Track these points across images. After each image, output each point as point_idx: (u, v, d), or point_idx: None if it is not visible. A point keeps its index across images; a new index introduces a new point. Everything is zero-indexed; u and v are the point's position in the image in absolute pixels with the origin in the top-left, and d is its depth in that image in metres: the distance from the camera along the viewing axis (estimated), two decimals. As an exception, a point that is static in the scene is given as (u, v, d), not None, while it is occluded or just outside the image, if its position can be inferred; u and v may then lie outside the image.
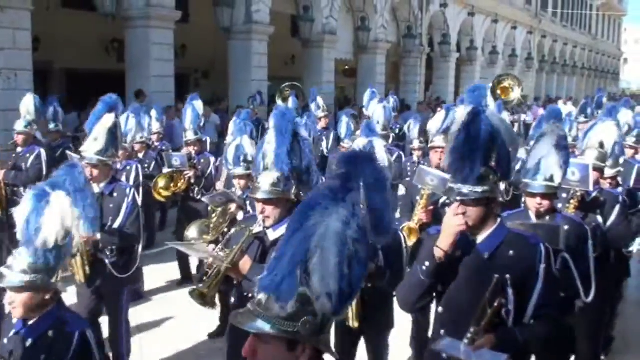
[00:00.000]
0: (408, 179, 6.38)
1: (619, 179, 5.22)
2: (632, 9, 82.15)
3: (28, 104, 7.02)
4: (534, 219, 3.51)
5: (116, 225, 4.38)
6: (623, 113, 6.33)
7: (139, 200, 4.59)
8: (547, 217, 3.50)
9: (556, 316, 2.67)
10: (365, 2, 18.66)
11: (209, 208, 4.45)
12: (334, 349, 3.74)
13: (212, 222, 3.82)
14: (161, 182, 6.57)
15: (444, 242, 2.58)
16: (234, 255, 3.11)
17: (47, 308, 2.59)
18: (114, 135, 4.40)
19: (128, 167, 6.32)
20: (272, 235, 3.24)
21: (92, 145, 4.32)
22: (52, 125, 8.23)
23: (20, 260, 2.53)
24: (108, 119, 4.37)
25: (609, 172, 4.69)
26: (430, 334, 2.97)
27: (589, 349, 4.35)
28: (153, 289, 6.87)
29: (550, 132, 3.41)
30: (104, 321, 4.61)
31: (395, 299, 3.31)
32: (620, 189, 4.90)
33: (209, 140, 8.74)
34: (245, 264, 3.13)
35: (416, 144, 7.54)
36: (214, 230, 3.60)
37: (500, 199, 2.88)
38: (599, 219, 4.24)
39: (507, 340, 2.52)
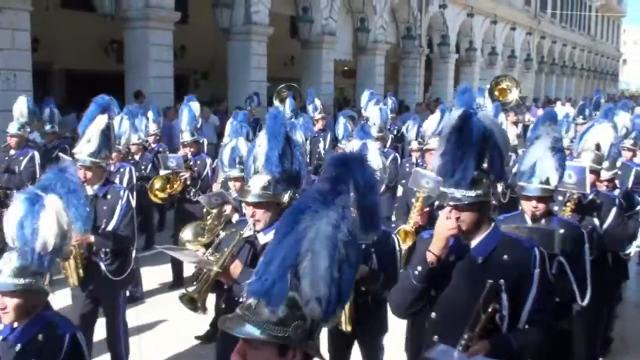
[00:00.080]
0: (404, 180, 6.37)
1: (617, 181, 5.22)
2: (631, 10, 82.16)
3: (21, 106, 7.00)
4: (529, 222, 3.48)
5: (110, 227, 4.33)
6: (621, 116, 6.31)
7: (133, 203, 4.56)
8: (543, 221, 3.47)
9: (551, 321, 2.64)
10: (365, 3, 18.67)
11: (204, 210, 4.43)
12: (327, 353, 3.73)
13: (207, 224, 3.79)
14: (157, 184, 6.53)
15: (436, 246, 2.54)
16: (224, 260, 3.07)
17: (36, 311, 2.55)
18: (107, 136, 4.35)
19: (122, 169, 6.27)
20: (262, 239, 3.21)
21: (85, 147, 4.27)
22: (48, 127, 8.24)
23: (10, 264, 2.48)
24: (101, 121, 4.31)
25: (605, 175, 4.68)
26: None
27: (586, 351, 4.35)
28: (153, 289, 6.86)
29: (545, 135, 3.39)
30: (102, 322, 4.59)
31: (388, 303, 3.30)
32: (617, 192, 4.89)
33: (205, 142, 8.72)
34: (236, 268, 3.10)
35: (414, 145, 7.54)
36: (209, 232, 3.57)
37: (494, 202, 2.86)
38: (596, 221, 4.23)
39: (502, 346, 2.48)
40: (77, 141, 4.49)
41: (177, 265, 6.84)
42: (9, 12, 9.58)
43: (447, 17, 23.30)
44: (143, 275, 6.78)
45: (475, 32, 25.83)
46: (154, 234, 8.57)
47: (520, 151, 6.36)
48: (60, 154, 6.05)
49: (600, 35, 46.25)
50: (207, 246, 3.48)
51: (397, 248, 3.59)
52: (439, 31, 23.52)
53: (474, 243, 2.60)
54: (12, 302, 2.47)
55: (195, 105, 7.13)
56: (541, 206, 3.42)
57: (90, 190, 4.32)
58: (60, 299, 4.86)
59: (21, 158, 6.76)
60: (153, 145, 8.36)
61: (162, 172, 6.76)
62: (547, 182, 3.36)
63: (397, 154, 7.62)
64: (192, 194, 6.56)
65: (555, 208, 4.06)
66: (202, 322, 5.53)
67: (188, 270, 6.66)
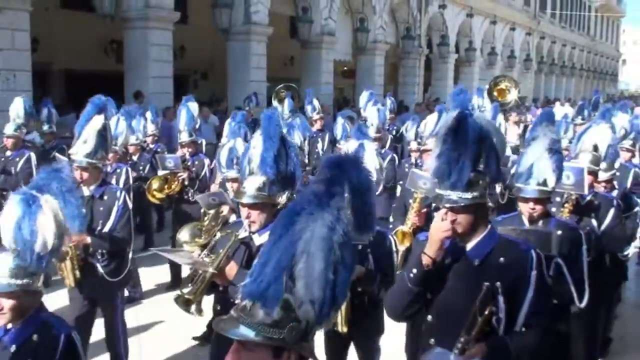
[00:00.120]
0: (403, 181, 6.34)
1: (615, 182, 5.21)
2: (631, 10, 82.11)
3: (18, 107, 6.97)
4: (527, 224, 3.46)
5: (106, 228, 4.31)
6: (619, 117, 6.31)
7: (130, 204, 4.52)
8: (541, 222, 3.45)
9: (548, 324, 2.62)
10: (364, 3, 18.69)
11: (202, 210, 4.41)
12: (324, 355, 3.71)
13: (205, 225, 3.75)
14: (155, 184, 6.51)
15: (431, 248, 2.52)
16: (220, 261, 3.06)
17: (30, 312, 2.54)
18: (104, 137, 4.31)
19: (118, 170, 6.24)
20: (258, 240, 3.20)
21: (81, 147, 4.23)
22: (46, 127, 8.22)
23: (6, 265, 2.45)
24: (97, 121, 4.28)
25: (603, 176, 4.64)
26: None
27: (584, 353, 4.36)
28: (151, 290, 6.87)
29: (542, 136, 3.36)
30: (101, 322, 4.60)
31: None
32: (615, 193, 4.89)
33: (204, 142, 8.71)
34: (232, 269, 3.08)
35: (414, 145, 7.54)
36: (206, 233, 3.54)
37: (490, 204, 2.84)
38: (594, 222, 4.22)
39: (499, 349, 2.47)
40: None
41: (175, 266, 6.83)
42: (9, 12, 9.60)
43: (447, 17, 23.32)
44: (141, 276, 6.78)
45: (474, 33, 25.85)
46: (153, 235, 8.58)
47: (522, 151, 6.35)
48: (57, 154, 6.01)
49: (599, 35, 46.26)
50: (204, 247, 3.45)
51: (394, 249, 3.58)
52: (439, 31, 23.54)
53: (470, 245, 2.58)
54: (8, 303, 2.45)
55: (194, 106, 7.11)
56: (538, 208, 3.39)
57: (86, 191, 4.29)
58: (58, 300, 4.88)
59: (17, 159, 6.73)
60: (151, 146, 8.35)
61: (160, 173, 6.74)
62: (544, 183, 3.34)
63: (395, 155, 7.60)
64: (190, 194, 6.52)
65: (553, 209, 4.05)
66: (200, 323, 5.53)
67: (186, 271, 6.66)
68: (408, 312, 2.69)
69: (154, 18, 12.04)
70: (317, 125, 9.48)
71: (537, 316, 2.55)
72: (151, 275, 7.06)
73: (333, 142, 8.60)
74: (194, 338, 5.53)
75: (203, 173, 6.76)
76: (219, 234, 3.40)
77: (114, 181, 5.99)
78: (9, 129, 6.86)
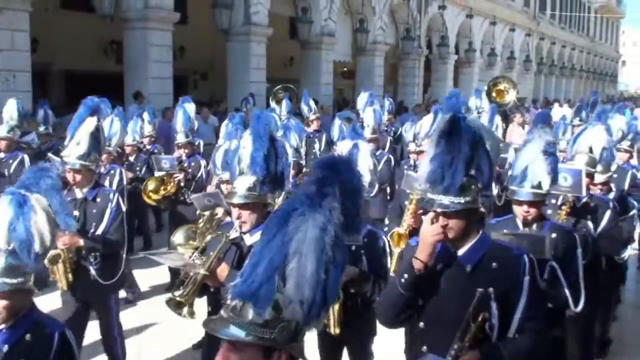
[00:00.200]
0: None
1: (612, 184, 5.21)
2: (630, 12, 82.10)
3: (11, 109, 6.92)
4: (521, 227, 3.43)
5: (99, 231, 4.25)
6: (616, 119, 6.30)
7: (123, 206, 4.47)
8: (535, 225, 3.41)
9: (541, 329, 2.57)
10: (364, 4, 18.71)
11: (197, 212, 4.38)
12: (319, 355, 3.69)
13: (199, 227, 3.74)
14: (151, 186, 6.46)
15: (422, 252, 2.47)
16: (211, 263, 3.04)
17: (22, 312, 2.52)
18: (97, 139, 4.26)
19: (112, 171, 6.20)
20: (249, 240, 3.18)
21: (74, 149, 4.18)
22: (42, 128, 8.20)
23: None
24: (90, 123, 4.23)
25: (599, 178, 4.62)
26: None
27: (580, 355, 4.36)
28: (150, 290, 6.87)
29: (537, 138, 3.34)
30: (96, 325, 4.57)
31: None
32: (611, 195, 4.88)
33: (202, 143, 8.69)
34: (223, 270, 3.06)
35: (412, 147, 7.52)
36: (201, 236, 3.53)
37: (482, 210, 2.81)
38: (590, 225, 4.19)
39: (492, 356, 2.45)
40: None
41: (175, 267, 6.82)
42: (9, 13, 9.62)
43: (447, 18, 23.34)
44: (140, 277, 6.79)
45: (474, 33, 25.87)
46: (151, 236, 8.57)
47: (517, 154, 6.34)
48: (50, 155, 5.99)
49: (599, 36, 46.28)
50: (201, 252, 3.44)
51: (387, 250, 3.56)
52: (438, 32, 23.55)
53: (462, 251, 2.54)
54: (1, 303, 2.43)
55: (190, 107, 7.08)
56: (533, 211, 3.35)
57: (79, 194, 4.25)
58: (50, 302, 4.86)
59: (11, 161, 6.68)
60: (148, 147, 8.32)
61: (157, 174, 6.72)
62: (538, 186, 3.31)
63: (391, 156, 7.58)
64: (186, 195, 6.46)
65: (549, 212, 4.04)
66: (199, 323, 5.53)
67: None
68: (400, 317, 2.65)
69: (153, 18, 12.06)
70: (313, 126, 9.45)
71: (531, 321, 2.52)
72: (151, 276, 7.07)
73: (331, 143, 8.59)
74: (194, 346, 5.50)
75: (199, 174, 6.71)
76: (209, 236, 3.39)
77: (107, 182, 5.95)
78: (2, 131, 6.81)
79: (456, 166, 2.44)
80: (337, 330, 3.44)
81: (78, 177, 4.20)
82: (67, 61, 15.13)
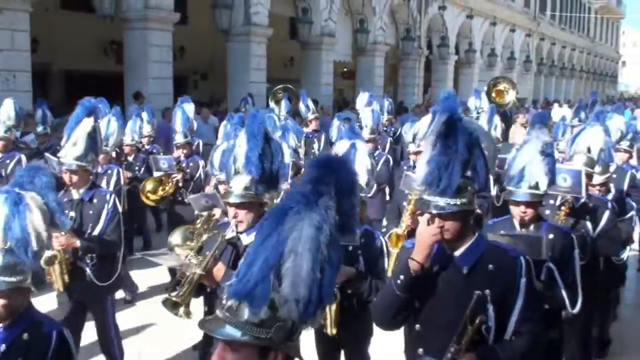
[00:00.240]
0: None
1: (611, 185, 5.20)
2: (630, 12, 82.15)
3: (8, 109, 6.87)
4: (518, 228, 3.41)
5: (96, 232, 4.22)
6: (615, 119, 6.29)
7: (120, 207, 4.45)
8: (532, 226, 3.39)
9: (538, 331, 2.56)
10: (364, 5, 18.72)
11: (195, 213, 4.37)
12: (317, 356, 3.66)
13: (197, 228, 3.71)
14: (149, 186, 6.43)
15: (419, 254, 2.46)
16: (207, 262, 3.03)
17: (20, 310, 2.51)
18: (94, 140, 4.23)
19: (109, 171, 6.18)
20: (245, 240, 3.17)
21: (71, 150, 4.16)
22: (40, 128, 8.19)
23: None
24: (87, 124, 4.21)
25: (597, 179, 4.62)
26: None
27: (578, 356, 4.35)
28: (150, 290, 6.87)
29: (534, 138, 3.33)
30: (93, 325, 4.57)
31: None
32: (610, 196, 4.88)
33: (201, 143, 8.69)
34: (219, 270, 3.05)
35: (412, 147, 7.53)
36: (198, 236, 3.53)
37: (478, 211, 2.79)
38: (589, 225, 4.17)
39: (489, 358, 2.44)
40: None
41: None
42: (9, 13, 9.64)
43: (447, 19, 23.35)
44: (140, 277, 6.79)
45: (474, 34, 25.88)
46: (151, 235, 8.57)
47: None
48: (47, 155, 5.96)
49: (599, 37, 46.29)
50: (198, 251, 3.43)
51: (385, 250, 3.54)
52: (439, 32, 23.57)
53: (458, 253, 2.53)
54: (1, 302, 2.43)
55: (189, 107, 7.07)
56: (530, 211, 3.33)
57: (75, 194, 4.23)
58: (44, 303, 4.86)
59: (8, 161, 6.62)
60: (147, 147, 8.33)
61: (156, 174, 6.71)
62: (536, 186, 3.29)
63: (389, 157, 7.57)
64: (184, 196, 6.43)
65: (547, 212, 4.02)
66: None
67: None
68: (396, 319, 2.64)
69: (153, 19, 12.07)
70: (312, 126, 9.44)
71: (528, 323, 2.51)
72: (150, 277, 7.07)
73: (330, 143, 8.58)
74: (194, 347, 5.49)
75: (198, 174, 6.70)
76: (205, 236, 3.38)
77: (104, 182, 5.94)
78: None
79: (452, 168, 2.43)
80: (334, 331, 3.44)
81: (74, 177, 4.18)
82: (67, 61, 15.15)
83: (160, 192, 6.45)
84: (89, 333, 4.55)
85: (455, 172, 2.43)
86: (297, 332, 1.63)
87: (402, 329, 2.86)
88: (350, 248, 3.32)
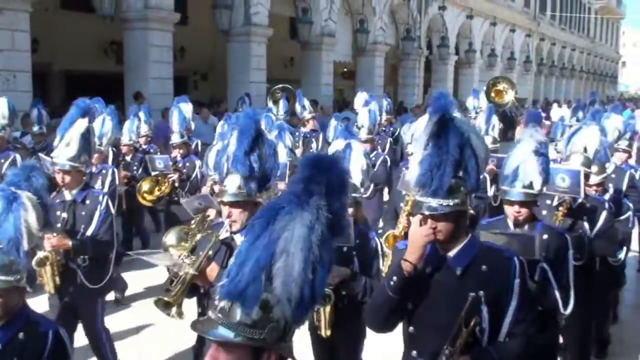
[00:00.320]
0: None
1: (610, 185, 5.18)
2: (630, 12, 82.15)
3: (2, 107, 6.81)
4: (512, 227, 3.38)
5: (88, 233, 4.18)
6: (612, 118, 6.27)
7: (112, 208, 4.41)
8: (527, 226, 3.37)
9: (532, 333, 2.52)
10: (364, 5, 18.72)
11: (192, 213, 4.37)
12: (313, 357, 3.64)
13: (192, 228, 3.68)
14: (145, 186, 6.41)
15: (411, 254, 2.43)
16: (200, 262, 3.01)
17: (15, 310, 2.51)
18: (87, 140, 4.20)
19: (104, 171, 6.14)
20: (239, 240, 3.11)
21: (64, 150, 4.12)
22: (36, 128, 8.17)
23: None
24: (81, 124, 4.18)
25: (594, 179, 4.59)
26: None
27: (578, 356, 4.36)
28: (149, 290, 6.86)
29: (528, 137, 3.31)
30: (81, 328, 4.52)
31: None
32: (606, 196, 4.86)
33: (199, 143, 8.70)
34: (212, 270, 3.04)
35: (411, 148, 7.52)
36: (193, 237, 3.54)
37: (471, 211, 2.77)
38: (586, 225, 4.15)
39: None
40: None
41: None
42: (9, 13, 9.65)
43: (447, 19, 23.35)
44: (137, 278, 6.77)
45: (474, 34, 25.88)
46: (149, 235, 8.56)
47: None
48: (40, 155, 5.94)
49: (599, 37, 46.25)
50: (191, 251, 3.42)
51: (380, 251, 3.52)
52: (439, 33, 23.57)
53: (451, 254, 2.50)
54: None
55: (186, 107, 7.07)
56: (524, 211, 3.31)
57: (68, 195, 4.20)
58: (41, 305, 4.86)
59: (2, 161, 6.58)
60: (144, 147, 8.33)
61: (153, 174, 6.70)
62: (530, 186, 3.27)
63: (387, 157, 7.58)
64: (180, 196, 6.42)
65: (544, 212, 4.02)
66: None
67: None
68: (388, 321, 2.62)
69: (153, 19, 12.09)
70: (309, 125, 9.43)
71: (522, 325, 2.49)
72: (148, 277, 7.08)
73: (328, 143, 8.58)
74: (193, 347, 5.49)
75: (194, 174, 6.68)
76: (199, 236, 3.37)
77: (99, 182, 5.90)
78: None
79: (444, 168, 2.41)
80: (328, 333, 3.43)
81: (67, 178, 4.15)
82: (67, 61, 15.16)
83: (157, 193, 6.43)
84: (84, 335, 4.51)
85: (446, 172, 2.41)
86: (290, 333, 1.63)
87: (402, 329, 2.87)
88: (345, 249, 3.30)
